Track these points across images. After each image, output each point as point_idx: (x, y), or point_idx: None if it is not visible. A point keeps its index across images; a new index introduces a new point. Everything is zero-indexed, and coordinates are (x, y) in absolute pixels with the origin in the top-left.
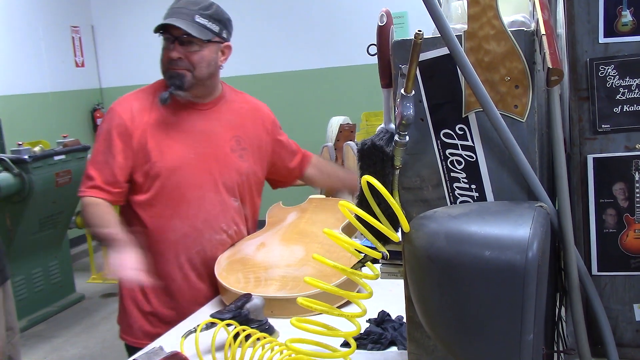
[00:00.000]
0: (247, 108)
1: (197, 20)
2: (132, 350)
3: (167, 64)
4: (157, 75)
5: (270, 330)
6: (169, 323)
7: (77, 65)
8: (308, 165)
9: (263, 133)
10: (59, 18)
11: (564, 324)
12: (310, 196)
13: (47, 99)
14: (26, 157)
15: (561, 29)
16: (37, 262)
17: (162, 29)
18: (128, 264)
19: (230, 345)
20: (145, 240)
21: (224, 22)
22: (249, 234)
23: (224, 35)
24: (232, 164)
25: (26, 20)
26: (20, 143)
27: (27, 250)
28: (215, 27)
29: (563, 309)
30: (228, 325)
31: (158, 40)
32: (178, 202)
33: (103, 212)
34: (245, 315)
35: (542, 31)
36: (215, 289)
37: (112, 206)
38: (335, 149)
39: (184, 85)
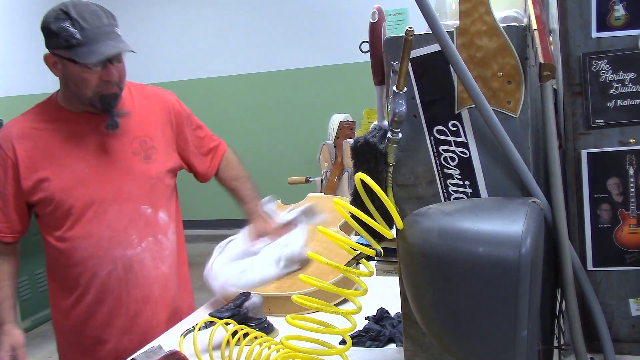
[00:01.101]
0: (148, 103)
1: (118, 32)
2: None
3: (99, 88)
4: (154, 74)
5: (269, 329)
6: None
7: None
8: (218, 168)
9: (170, 126)
10: None
11: (563, 319)
12: (309, 194)
13: (35, 101)
14: None
15: (554, 24)
16: (40, 263)
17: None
18: None
19: (227, 343)
20: (57, 266)
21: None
22: (176, 238)
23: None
24: (136, 169)
25: (26, 22)
26: None
27: (31, 251)
28: (120, 31)
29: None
30: (226, 324)
31: (157, 40)
32: (77, 223)
33: None
34: (244, 313)
35: (534, 26)
36: (144, 308)
37: (7, 260)
38: (334, 147)
39: (118, 103)
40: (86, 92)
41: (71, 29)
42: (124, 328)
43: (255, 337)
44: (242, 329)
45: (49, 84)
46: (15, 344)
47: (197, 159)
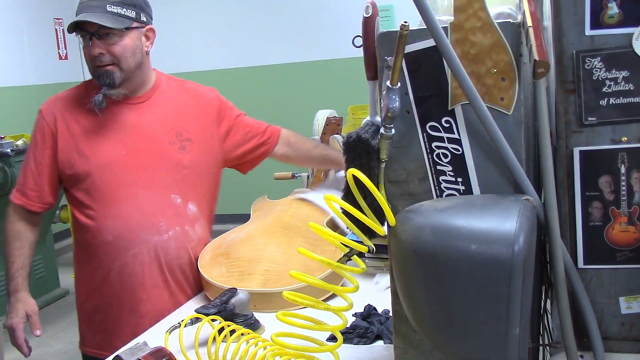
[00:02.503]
0: (187, 97)
1: (110, 9)
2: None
3: (92, 63)
4: None
5: (255, 325)
6: (111, 332)
7: (60, 58)
8: (276, 144)
9: (209, 123)
10: (42, 10)
11: (549, 317)
12: (295, 190)
13: (30, 92)
14: (8, 150)
15: (548, 21)
16: (38, 249)
17: (76, 27)
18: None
19: (214, 340)
20: (84, 243)
21: (139, 5)
22: (204, 233)
23: (143, 18)
24: (170, 158)
25: (8, 13)
26: (2, 137)
27: None
28: (131, 13)
29: (549, 302)
30: (213, 320)
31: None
32: (109, 202)
33: (13, 248)
34: (231, 310)
35: (529, 23)
36: (161, 300)
37: (30, 229)
38: (322, 142)
39: (115, 82)
40: (88, 67)
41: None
42: (144, 312)
43: (242, 334)
44: (228, 326)
45: (32, 76)
46: (30, 311)
47: (250, 139)
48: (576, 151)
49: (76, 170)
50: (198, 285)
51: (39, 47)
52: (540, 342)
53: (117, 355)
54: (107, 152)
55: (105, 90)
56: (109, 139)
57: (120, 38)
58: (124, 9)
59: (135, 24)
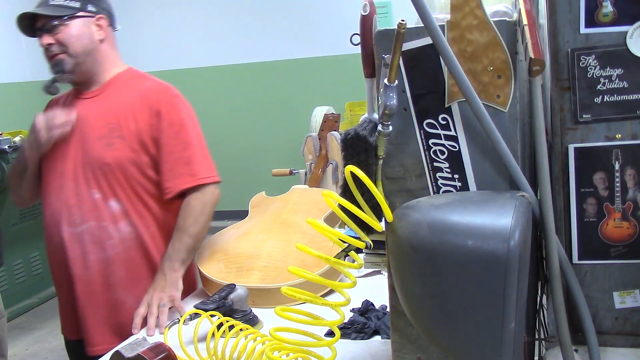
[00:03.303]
0: (135, 95)
1: (52, 3)
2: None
3: (45, 55)
4: (136, 63)
5: (254, 321)
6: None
7: None
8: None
9: (146, 124)
10: None
11: (545, 312)
12: (294, 186)
13: (27, 88)
14: (6, 147)
15: (543, 19)
16: (18, 254)
17: (22, 26)
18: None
19: (213, 335)
20: None
21: None
22: (135, 233)
23: (91, 8)
24: (91, 153)
25: (4, 9)
26: (0, 133)
27: (8, 242)
28: (75, 4)
29: (544, 297)
30: (212, 316)
31: (139, 28)
32: (45, 190)
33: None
34: (230, 305)
35: (524, 21)
36: (88, 287)
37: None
38: (319, 139)
39: (65, 68)
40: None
41: None
42: (64, 301)
43: (241, 330)
44: (227, 321)
45: (28, 72)
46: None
47: (163, 169)
48: (571, 148)
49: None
50: (124, 282)
51: (36, 43)
52: (536, 336)
53: (116, 351)
54: (55, 144)
55: (55, 75)
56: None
57: (65, 27)
58: (67, 1)
59: (80, 13)
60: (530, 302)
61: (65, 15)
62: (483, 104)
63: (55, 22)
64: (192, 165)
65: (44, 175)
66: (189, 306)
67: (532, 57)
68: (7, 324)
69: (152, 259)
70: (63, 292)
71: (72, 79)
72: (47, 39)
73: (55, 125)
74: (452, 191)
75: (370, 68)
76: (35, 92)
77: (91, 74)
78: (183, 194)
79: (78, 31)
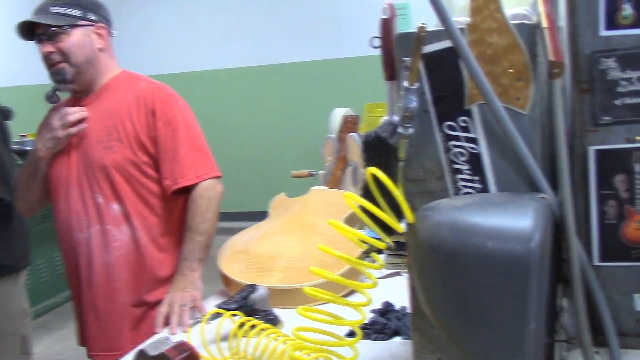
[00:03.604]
0: (131, 96)
1: (53, 10)
2: None
3: (45, 63)
4: (157, 66)
5: (275, 321)
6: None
7: None
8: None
9: (141, 122)
10: None
11: (565, 313)
12: (313, 187)
13: (47, 90)
14: (29, 148)
15: (562, 22)
16: (41, 254)
17: (21, 30)
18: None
19: (235, 335)
20: None
21: (86, 5)
22: (135, 235)
23: (91, 17)
24: (91, 157)
25: (27, 12)
26: (24, 135)
27: (32, 242)
28: (76, 12)
29: (564, 299)
30: (233, 315)
31: (156, 31)
32: (54, 197)
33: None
34: (251, 305)
35: (544, 24)
36: (93, 294)
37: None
38: (338, 141)
39: (66, 78)
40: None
41: None
42: (84, 303)
43: (263, 330)
44: (249, 321)
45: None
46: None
47: (163, 166)
48: (591, 150)
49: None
50: (127, 285)
51: None
52: (556, 338)
53: (141, 349)
54: (59, 152)
55: (57, 85)
56: (67, 137)
57: (67, 35)
58: (68, 9)
59: (81, 22)
60: (550, 304)
61: (66, 25)
62: (503, 106)
63: (56, 31)
64: (191, 162)
65: (51, 183)
66: (211, 306)
67: (552, 59)
68: (31, 323)
69: (151, 262)
70: (74, 297)
71: (73, 88)
72: (48, 47)
73: (70, 122)
74: (472, 193)
75: (391, 71)
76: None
77: (90, 82)
78: (186, 191)
79: (79, 40)
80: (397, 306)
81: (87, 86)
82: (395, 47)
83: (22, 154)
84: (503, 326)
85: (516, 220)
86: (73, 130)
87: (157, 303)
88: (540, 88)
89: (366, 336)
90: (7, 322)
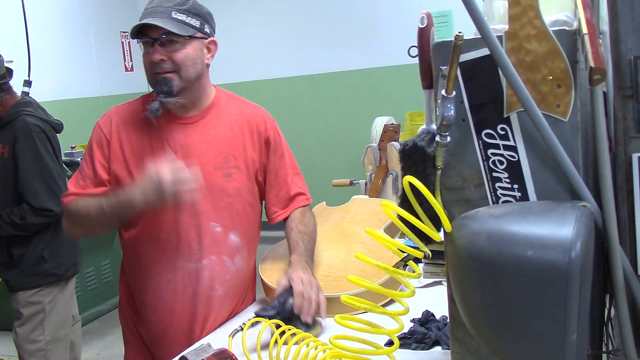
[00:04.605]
0: (243, 120)
1: (175, 16)
2: None
3: (151, 70)
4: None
5: (314, 324)
6: (145, 350)
7: (126, 70)
8: (286, 220)
9: (259, 153)
10: (109, 24)
11: (611, 324)
12: (354, 196)
13: (99, 102)
14: (79, 159)
15: (605, 27)
16: (89, 262)
17: (139, 32)
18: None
19: (275, 343)
20: (125, 261)
21: (204, 16)
22: (245, 265)
23: (207, 30)
24: (213, 185)
25: (79, 27)
26: (73, 146)
27: (97, 243)
28: (195, 22)
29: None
30: (274, 324)
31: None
32: (151, 224)
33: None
34: (289, 309)
35: (584, 30)
36: (189, 329)
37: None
38: (379, 149)
39: (173, 90)
40: (147, 75)
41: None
42: (173, 339)
43: (302, 338)
44: (289, 329)
45: (100, 88)
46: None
47: (272, 195)
48: (635, 157)
49: (123, 186)
50: (222, 319)
51: (107, 59)
52: (603, 349)
53: (182, 356)
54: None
55: (162, 98)
56: (156, 159)
57: (183, 46)
58: (189, 18)
59: (198, 34)
60: (595, 314)
61: (187, 36)
62: (543, 113)
63: (175, 39)
64: (297, 186)
65: (147, 213)
66: (251, 313)
67: (593, 65)
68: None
69: (247, 291)
70: (150, 321)
71: (180, 102)
72: (160, 54)
73: (184, 181)
74: (511, 201)
75: (428, 79)
76: (106, 106)
77: (195, 99)
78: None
79: (194, 54)
80: (438, 315)
81: (190, 103)
82: (433, 56)
83: (71, 165)
84: (543, 337)
85: (557, 229)
86: (186, 192)
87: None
88: (582, 95)
89: (406, 346)
90: (58, 329)
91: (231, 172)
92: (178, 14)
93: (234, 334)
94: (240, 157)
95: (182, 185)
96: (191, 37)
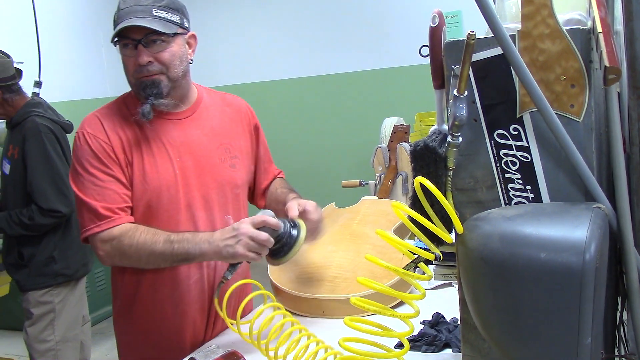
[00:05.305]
0: (230, 111)
1: (156, 14)
2: None
3: (136, 73)
4: (211, 78)
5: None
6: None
7: None
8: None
9: (248, 140)
10: None
11: (625, 328)
12: (363, 197)
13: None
14: None
15: (619, 26)
16: (99, 263)
17: (120, 35)
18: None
19: (275, 333)
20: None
21: (182, 10)
22: None
23: (185, 24)
24: (224, 176)
25: (89, 28)
26: None
27: (90, 250)
28: (175, 18)
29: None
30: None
31: (211, 45)
32: (168, 223)
33: (149, 233)
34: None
35: (599, 29)
36: (212, 326)
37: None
38: (388, 150)
39: (162, 92)
40: (129, 78)
41: (116, 11)
42: (187, 339)
43: (317, 343)
44: (302, 331)
45: (109, 88)
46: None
47: (262, 176)
48: None
49: (132, 191)
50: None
51: (116, 60)
52: (615, 353)
53: (191, 357)
54: (160, 173)
55: (153, 101)
56: (160, 159)
57: (168, 44)
58: (170, 14)
59: (180, 30)
60: (609, 317)
61: (171, 33)
62: (556, 113)
63: (159, 38)
64: (276, 170)
65: (161, 214)
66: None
67: (608, 65)
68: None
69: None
70: (164, 322)
71: (172, 103)
72: (146, 56)
73: (266, 243)
74: (524, 202)
75: (440, 79)
76: None
77: (182, 97)
78: None
79: (179, 51)
80: (448, 317)
81: (178, 101)
82: (444, 56)
83: None
84: (556, 340)
85: (570, 230)
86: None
87: None
88: (596, 95)
89: (416, 348)
90: (68, 329)
91: (234, 162)
92: (159, 10)
93: (219, 285)
94: (236, 147)
95: (257, 247)
96: (175, 34)
